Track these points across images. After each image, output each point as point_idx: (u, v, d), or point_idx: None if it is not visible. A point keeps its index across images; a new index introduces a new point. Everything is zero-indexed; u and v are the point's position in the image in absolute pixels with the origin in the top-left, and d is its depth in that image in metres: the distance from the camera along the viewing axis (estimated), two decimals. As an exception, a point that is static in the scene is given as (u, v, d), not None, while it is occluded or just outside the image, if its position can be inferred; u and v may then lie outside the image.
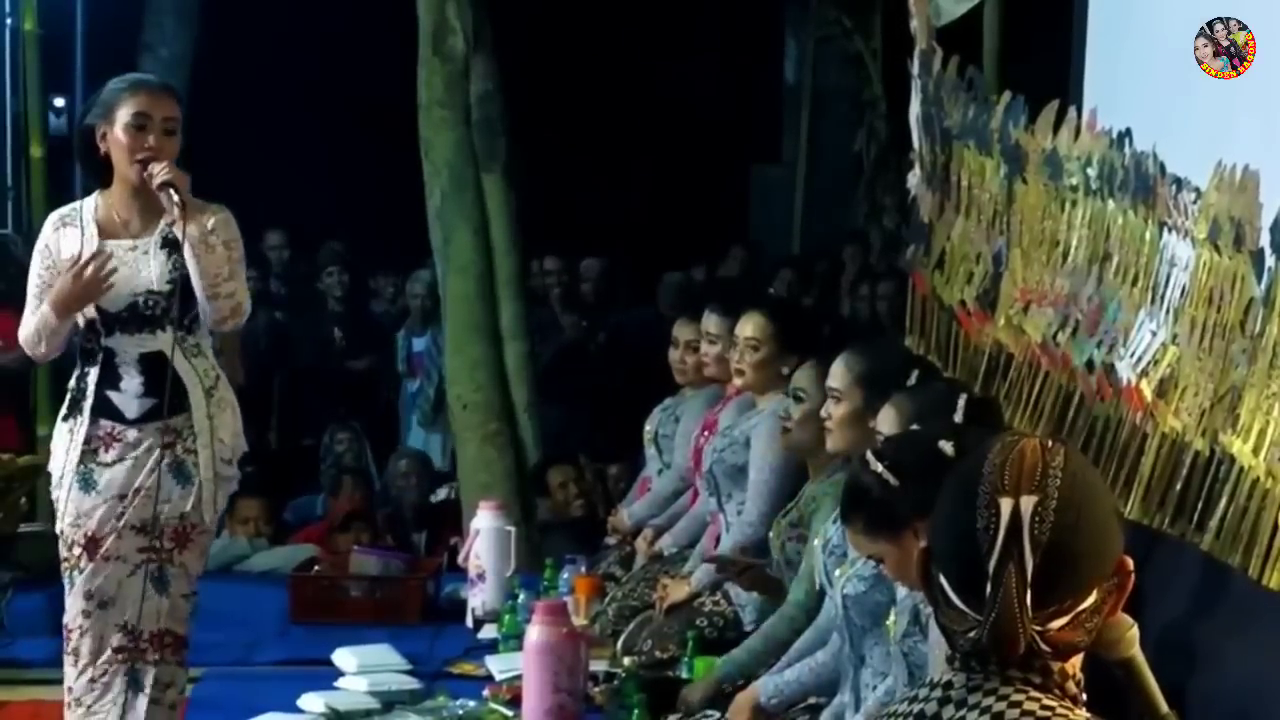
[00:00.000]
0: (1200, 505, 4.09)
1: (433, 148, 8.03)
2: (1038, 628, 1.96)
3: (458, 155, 7.99)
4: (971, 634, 1.99)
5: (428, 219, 8.10)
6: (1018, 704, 1.97)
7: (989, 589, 1.97)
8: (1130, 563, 2.04)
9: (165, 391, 4.42)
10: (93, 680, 4.52)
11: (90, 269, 4.38)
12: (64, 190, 7.00)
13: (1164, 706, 2.11)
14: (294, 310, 10.20)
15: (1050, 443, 2.04)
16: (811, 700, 4.40)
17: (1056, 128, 5.37)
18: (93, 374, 4.51)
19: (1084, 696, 2.05)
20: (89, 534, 4.51)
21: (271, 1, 10.84)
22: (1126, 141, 4.81)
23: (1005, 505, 1.98)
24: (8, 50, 8.60)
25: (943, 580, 2.04)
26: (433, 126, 8.02)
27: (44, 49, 8.46)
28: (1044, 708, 1.97)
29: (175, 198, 4.37)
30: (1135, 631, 2.08)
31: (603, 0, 11.43)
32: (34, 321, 4.51)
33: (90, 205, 4.58)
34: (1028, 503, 1.97)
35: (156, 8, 10.74)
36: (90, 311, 4.49)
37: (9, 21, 8.57)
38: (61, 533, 4.58)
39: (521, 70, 8.59)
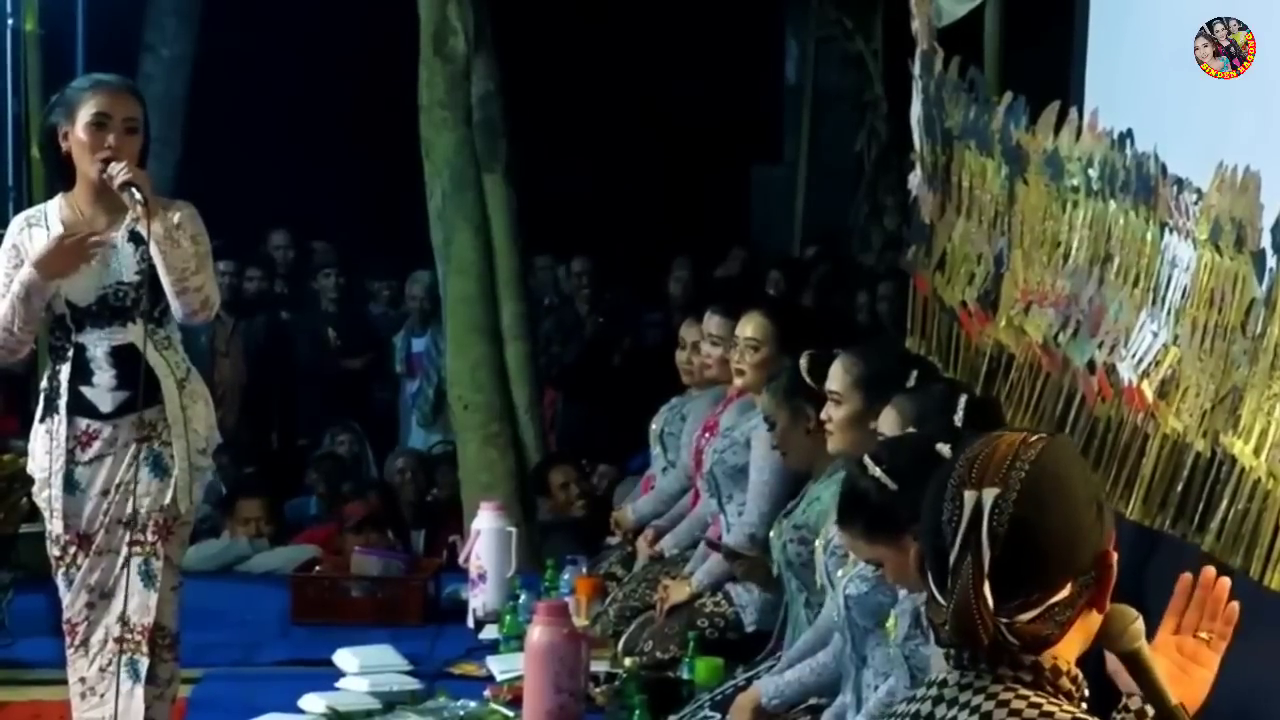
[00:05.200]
0: (1201, 506, 4.09)
1: (434, 148, 8.03)
2: (1005, 620, 1.96)
3: (459, 155, 7.99)
4: (945, 626, 2.00)
5: (428, 219, 8.11)
6: (1005, 703, 1.98)
7: (949, 581, 1.98)
8: (1113, 556, 2.04)
9: (139, 383, 4.43)
10: (102, 669, 4.57)
11: (75, 239, 4.42)
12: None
13: (1172, 698, 2.10)
14: (294, 310, 10.22)
15: (1033, 437, 2.04)
16: (813, 701, 4.40)
17: (1057, 128, 5.37)
18: (64, 371, 4.54)
19: (1084, 692, 2.04)
20: (80, 532, 4.57)
21: (273, 2, 10.84)
22: (1127, 142, 4.80)
23: (969, 497, 1.99)
24: (9, 50, 8.62)
25: (928, 574, 2.05)
26: (434, 127, 8.02)
27: (45, 49, 8.47)
28: (1031, 705, 1.97)
29: (138, 196, 4.38)
30: (1140, 624, 2.07)
31: (604, 1, 11.43)
32: (11, 293, 4.49)
33: (55, 206, 4.61)
34: (989, 495, 1.98)
35: (158, 8, 10.76)
36: (60, 307, 4.52)
37: (10, 22, 8.58)
38: (52, 533, 4.61)
39: (523, 71, 8.59)
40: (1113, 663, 2.17)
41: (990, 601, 1.96)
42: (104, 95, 4.51)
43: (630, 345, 10.13)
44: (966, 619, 1.96)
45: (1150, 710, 2.16)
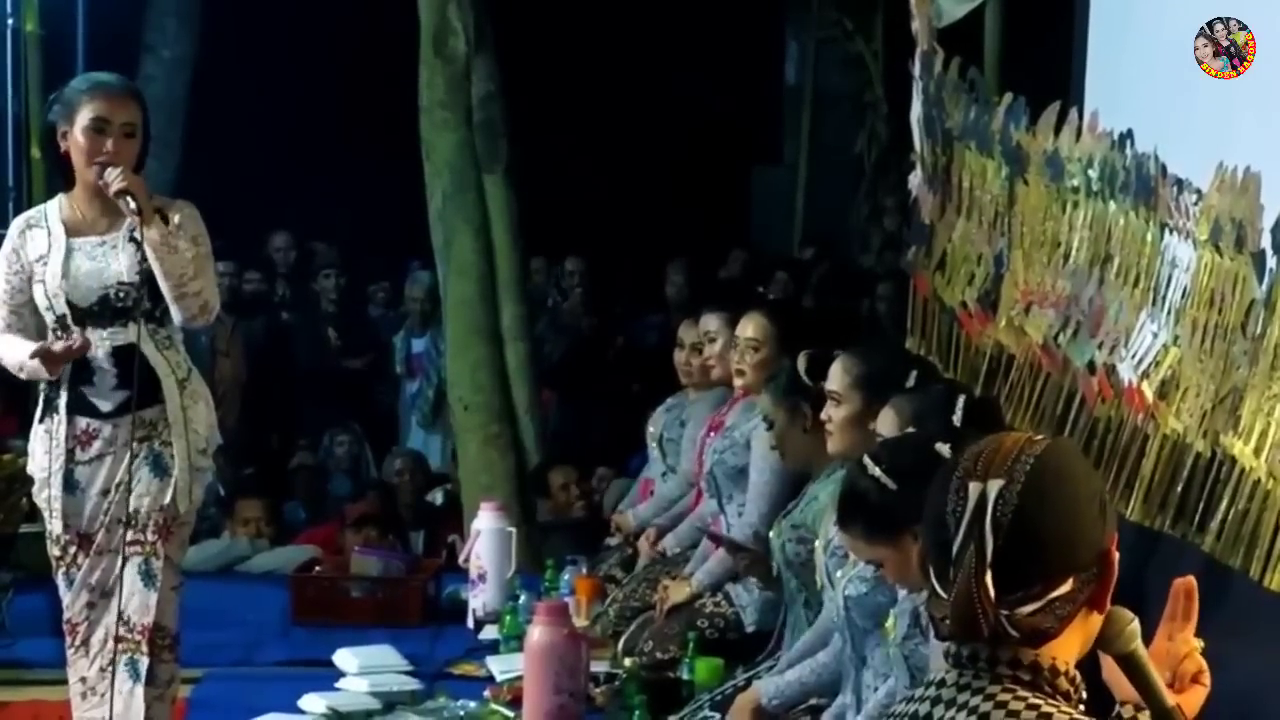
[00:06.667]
0: (1201, 507, 4.09)
1: (434, 149, 8.03)
2: (1005, 612, 1.97)
3: (459, 157, 7.99)
4: (945, 619, 2.00)
5: (429, 221, 8.11)
6: (1003, 704, 1.98)
7: (952, 571, 1.98)
8: (1115, 556, 2.04)
9: (136, 382, 4.42)
10: (103, 669, 4.57)
11: (58, 348, 4.42)
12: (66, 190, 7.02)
13: (1168, 700, 2.11)
14: (294, 310, 10.22)
15: (1038, 436, 2.06)
16: (813, 701, 4.40)
17: (1058, 129, 5.37)
18: (65, 371, 4.53)
19: (1082, 694, 2.05)
20: (80, 531, 4.57)
21: (273, 3, 10.84)
22: (1128, 143, 4.80)
23: (974, 489, 2.01)
24: (9, 51, 8.63)
25: (929, 568, 2.05)
26: (434, 128, 8.02)
27: (45, 50, 8.48)
28: (1029, 706, 1.98)
29: (132, 205, 4.37)
30: (1136, 626, 2.08)
31: (604, 2, 11.43)
32: (16, 358, 4.51)
33: (55, 206, 4.60)
34: (994, 486, 2.00)
35: (158, 9, 10.76)
36: (60, 308, 4.51)
37: (10, 22, 8.59)
38: (52, 533, 4.60)
39: (523, 72, 8.59)
40: (1108, 671, 2.17)
41: (992, 591, 1.96)
42: (103, 100, 4.49)
43: (624, 345, 10.13)
44: (967, 608, 1.97)
45: (1145, 716, 2.16)
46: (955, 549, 1.99)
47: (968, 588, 1.97)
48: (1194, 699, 2.26)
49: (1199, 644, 2.28)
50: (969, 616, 1.97)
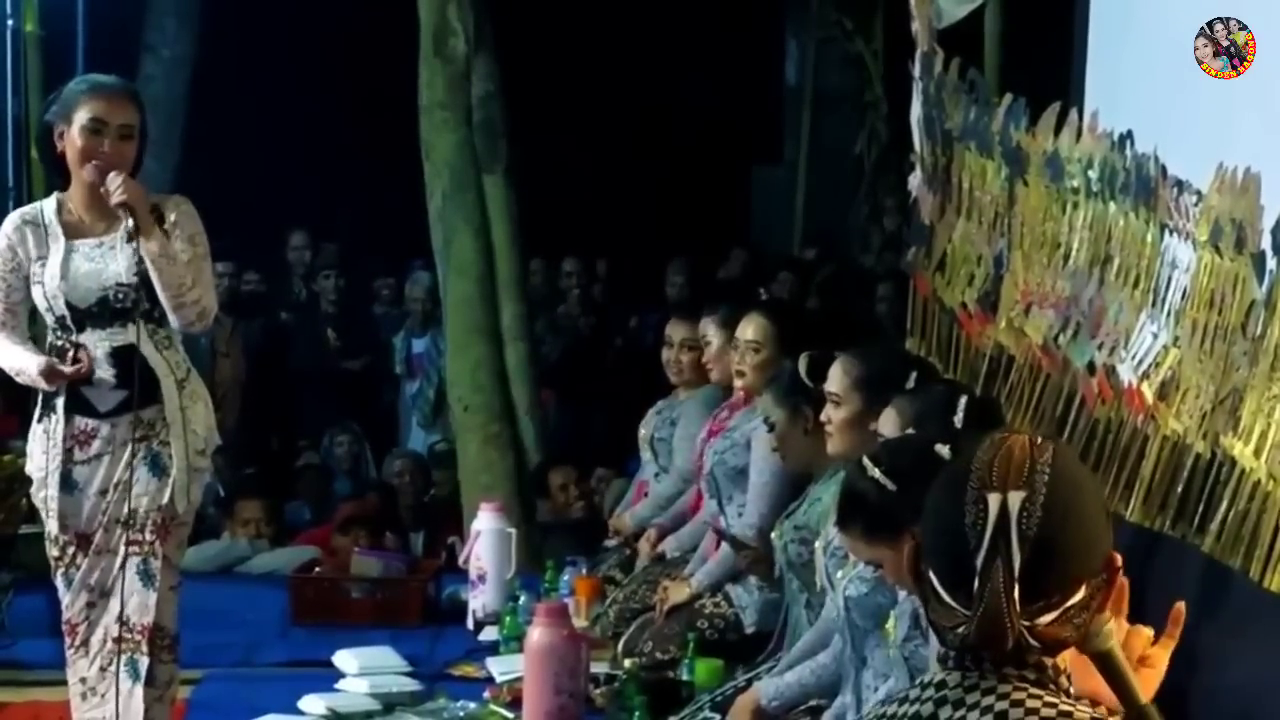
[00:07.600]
0: (1201, 508, 4.09)
1: (434, 149, 8.03)
2: (1026, 623, 1.97)
3: (459, 157, 7.99)
4: (960, 629, 2.00)
5: (429, 221, 8.11)
6: (1020, 703, 1.98)
7: (976, 585, 1.98)
8: (1119, 559, 2.05)
9: (137, 383, 4.42)
10: (103, 669, 4.57)
11: (66, 370, 4.44)
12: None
13: (1142, 698, 2.11)
14: (294, 311, 10.21)
15: (1039, 440, 2.05)
16: (813, 702, 4.40)
17: (1058, 130, 5.37)
18: (65, 371, 4.51)
19: (1073, 692, 2.05)
20: (79, 531, 4.57)
21: (273, 3, 10.84)
22: (1128, 143, 4.80)
23: (993, 501, 1.99)
24: (9, 51, 8.63)
25: (932, 576, 2.04)
26: (434, 128, 8.02)
27: (45, 50, 8.47)
28: (1047, 704, 1.98)
29: (130, 223, 4.37)
30: (1113, 625, 2.09)
31: (604, 2, 11.43)
32: (14, 364, 4.53)
33: (51, 206, 4.58)
34: (1015, 498, 1.99)
35: (158, 9, 10.76)
36: (60, 309, 4.50)
37: (10, 23, 8.59)
38: (50, 534, 4.60)
39: (523, 72, 8.59)
40: (1078, 681, 2.18)
41: (1018, 606, 1.96)
42: (100, 100, 4.48)
43: (623, 345, 10.12)
44: (996, 623, 1.96)
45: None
46: (979, 563, 1.98)
47: (998, 603, 1.96)
48: (1144, 687, 2.25)
49: (1149, 631, 2.28)
50: (997, 631, 1.97)
